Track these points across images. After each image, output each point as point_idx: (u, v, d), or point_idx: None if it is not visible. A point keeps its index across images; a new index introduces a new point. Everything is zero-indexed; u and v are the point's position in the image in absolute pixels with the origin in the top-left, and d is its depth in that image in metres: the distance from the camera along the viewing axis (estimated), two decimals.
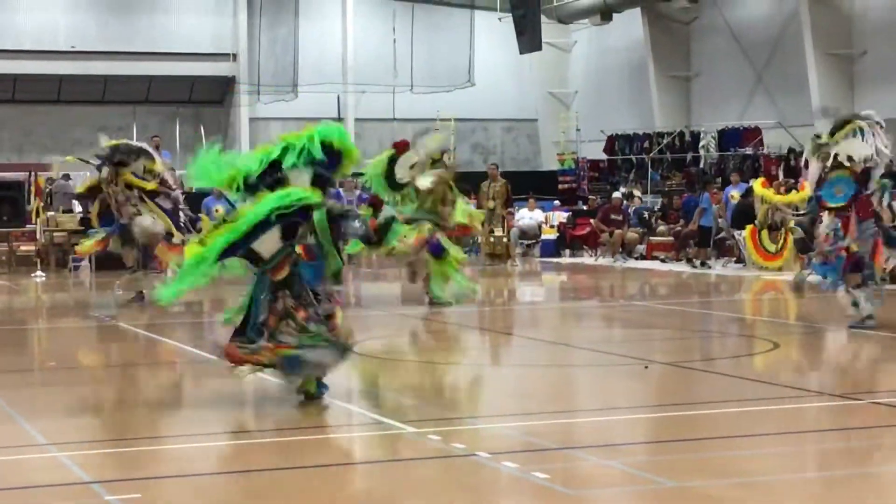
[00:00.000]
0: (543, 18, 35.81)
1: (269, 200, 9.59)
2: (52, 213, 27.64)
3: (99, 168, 18.22)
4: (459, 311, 16.54)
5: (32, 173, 29.08)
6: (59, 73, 36.63)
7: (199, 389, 11.49)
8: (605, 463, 7.77)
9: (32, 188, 28.46)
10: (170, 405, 10.45)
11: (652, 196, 32.24)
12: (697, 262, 24.98)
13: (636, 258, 27.28)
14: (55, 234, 26.64)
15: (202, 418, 9.93)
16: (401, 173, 16.42)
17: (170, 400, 10.81)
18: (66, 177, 31.22)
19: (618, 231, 27.52)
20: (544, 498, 6.96)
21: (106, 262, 25.11)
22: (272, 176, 9.74)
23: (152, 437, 8.85)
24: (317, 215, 9.55)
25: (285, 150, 9.80)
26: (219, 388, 11.44)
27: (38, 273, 24.66)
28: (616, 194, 29.37)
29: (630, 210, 28.77)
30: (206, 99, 38.62)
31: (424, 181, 16.63)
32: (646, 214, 28.68)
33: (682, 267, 25.08)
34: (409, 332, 15.47)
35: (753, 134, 31.74)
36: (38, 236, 26.81)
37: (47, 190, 29.46)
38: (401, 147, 16.72)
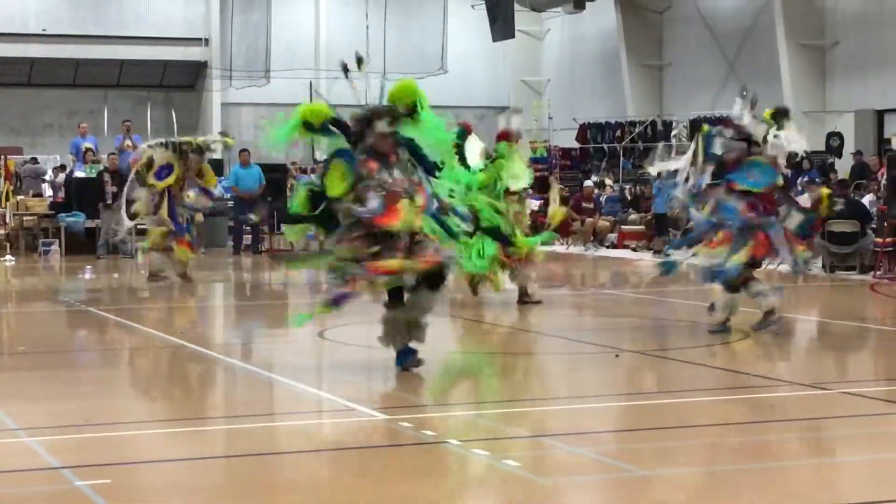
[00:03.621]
0: (516, 6, 35.82)
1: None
2: (21, 196, 27.50)
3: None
4: None
5: (2, 156, 28.90)
6: (29, 56, 36.41)
7: (169, 375, 11.46)
8: (576, 451, 7.79)
9: (2, 171, 28.30)
10: (140, 390, 10.42)
11: (624, 185, 32.30)
12: (661, 252, 24.76)
13: (608, 247, 27.33)
14: (25, 217, 26.50)
15: (172, 404, 9.92)
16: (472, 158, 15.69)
17: (140, 385, 10.78)
18: (35, 160, 31.07)
19: (589, 219, 27.56)
20: (515, 485, 6.97)
21: (75, 247, 25.09)
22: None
23: (123, 423, 8.82)
24: None
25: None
26: (189, 373, 11.43)
27: (8, 257, 24.53)
28: (588, 183, 29.41)
29: (602, 199, 28.82)
30: (177, 83, 38.47)
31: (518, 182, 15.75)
32: (627, 192, 28.72)
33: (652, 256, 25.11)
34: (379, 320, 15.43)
35: (725, 123, 31.75)
36: (7, 220, 26.68)
37: (17, 173, 29.29)
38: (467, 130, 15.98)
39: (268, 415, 9.25)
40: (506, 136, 16.16)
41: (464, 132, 14.83)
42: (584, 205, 27.91)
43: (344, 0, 38.59)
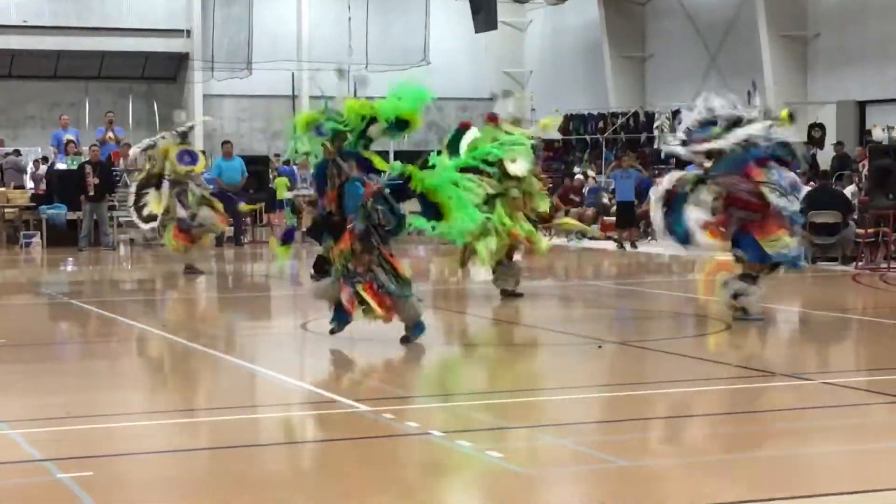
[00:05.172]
0: None
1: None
2: (2, 188, 27.41)
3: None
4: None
5: None
6: (10, 48, 36.25)
7: (150, 367, 11.45)
8: (559, 442, 7.80)
9: None
10: (122, 383, 10.40)
11: (605, 176, 32.33)
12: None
13: (590, 238, 27.27)
14: (6, 209, 26.42)
15: (154, 396, 9.90)
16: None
17: (122, 377, 10.75)
18: (17, 152, 30.98)
19: (573, 210, 27.53)
20: (498, 477, 6.98)
21: (57, 239, 25.03)
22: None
23: (104, 415, 8.80)
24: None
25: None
26: (170, 365, 11.42)
27: None
28: (578, 175, 29.41)
29: (585, 190, 28.80)
30: (159, 75, 38.34)
31: (518, 166, 15.19)
32: (604, 196, 28.70)
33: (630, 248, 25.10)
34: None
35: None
36: None
37: None
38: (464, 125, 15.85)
39: (250, 407, 9.24)
40: (490, 119, 15.92)
41: (462, 129, 15.32)
42: (572, 196, 27.88)
43: None
